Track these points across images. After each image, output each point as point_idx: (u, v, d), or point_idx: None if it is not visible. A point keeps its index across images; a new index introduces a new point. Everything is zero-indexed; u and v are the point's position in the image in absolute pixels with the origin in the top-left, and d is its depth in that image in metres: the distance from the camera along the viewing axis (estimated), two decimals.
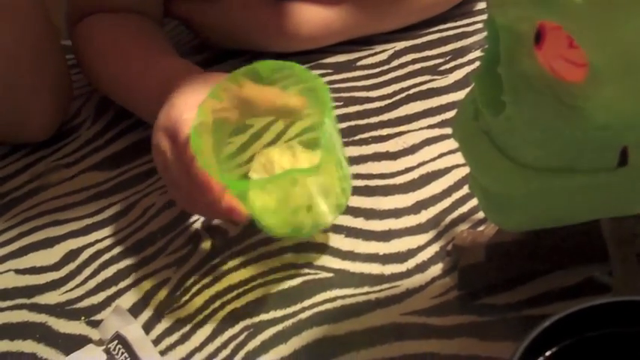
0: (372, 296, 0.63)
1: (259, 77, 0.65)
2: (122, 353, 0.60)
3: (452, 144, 0.75)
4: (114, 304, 0.65)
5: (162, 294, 0.66)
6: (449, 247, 0.66)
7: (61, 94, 0.83)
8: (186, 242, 0.70)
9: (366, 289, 0.64)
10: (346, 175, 0.66)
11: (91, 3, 0.87)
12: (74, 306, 0.66)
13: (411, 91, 0.83)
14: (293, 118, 0.67)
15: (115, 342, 0.61)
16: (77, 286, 0.68)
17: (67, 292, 0.67)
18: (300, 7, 0.87)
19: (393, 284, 0.64)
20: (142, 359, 0.60)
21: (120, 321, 0.62)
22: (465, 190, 0.71)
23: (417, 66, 0.86)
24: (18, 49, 0.78)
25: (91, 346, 0.62)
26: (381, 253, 0.66)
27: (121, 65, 0.80)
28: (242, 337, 0.62)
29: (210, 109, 0.63)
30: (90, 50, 0.85)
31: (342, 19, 0.87)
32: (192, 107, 0.65)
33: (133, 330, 0.61)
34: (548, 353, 0.42)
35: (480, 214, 0.68)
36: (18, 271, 0.70)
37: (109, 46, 0.83)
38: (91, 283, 0.68)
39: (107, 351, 0.61)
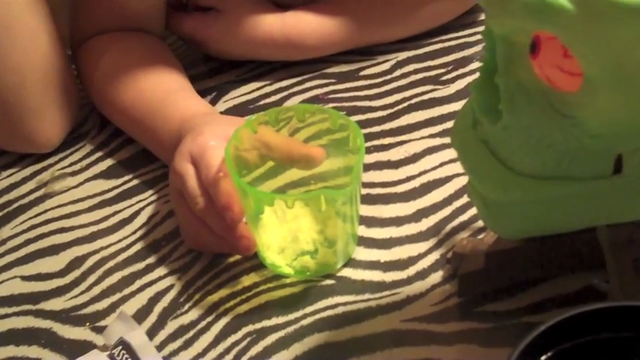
0: (373, 303, 0.64)
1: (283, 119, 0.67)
2: (126, 359, 0.61)
3: (453, 153, 0.75)
4: (118, 311, 0.66)
5: (166, 300, 0.67)
6: (449, 255, 0.66)
7: (68, 107, 0.83)
8: (190, 250, 0.71)
9: (367, 295, 0.65)
10: (356, 224, 0.67)
11: (94, 24, 0.86)
12: (79, 312, 0.67)
13: (413, 101, 0.84)
14: (309, 168, 0.68)
15: (119, 348, 0.62)
16: (82, 292, 0.68)
17: (72, 298, 0.68)
18: (305, 17, 0.87)
19: (394, 291, 0.65)
20: None
21: (124, 327, 0.63)
22: (465, 198, 0.71)
23: (419, 76, 0.87)
24: (25, 66, 0.79)
25: (95, 351, 0.63)
26: (382, 261, 0.67)
27: (136, 98, 0.80)
28: (245, 342, 0.62)
29: (234, 147, 0.64)
30: (98, 76, 0.84)
31: (345, 28, 0.88)
32: (220, 137, 0.66)
33: (137, 336, 0.62)
34: (543, 358, 0.42)
35: (480, 223, 0.69)
36: (24, 278, 0.71)
37: (120, 75, 0.82)
38: (96, 290, 0.68)
39: (111, 356, 0.61)
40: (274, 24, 0.87)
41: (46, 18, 0.80)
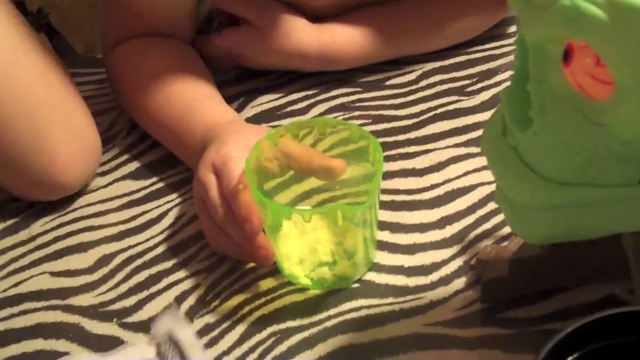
0: (397, 307, 0.65)
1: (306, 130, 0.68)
2: (173, 356, 0.62)
3: (477, 162, 0.77)
4: (145, 307, 0.67)
5: (192, 299, 0.68)
6: (473, 262, 0.67)
7: (87, 143, 0.79)
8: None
9: (390, 299, 0.65)
10: (375, 234, 0.68)
11: (124, 29, 0.87)
12: (107, 308, 0.68)
13: (438, 111, 0.85)
14: (330, 180, 0.68)
15: (168, 343, 0.62)
16: (110, 289, 0.70)
17: (100, 294, 0.69)
18: (340, 34, 0.87)
19: (417, 296, 0.65)
20: None
21: (173, 322, 0.64)
22: (488, 207, 0.72)
23: (445, 87, 0.88)
24: (19, 112, 0.74)
25: (142, 344, 0.63)
26: (406, 266, 0.68)
27: (163, 105, 0.80)
28: (269, 342, 0.63)
29: (255, 159, 0.65)
30: (126, 80, 0.85)
31: (379, 43, 0.88)
32: (243, 148, 0.67)
33: (186, 333, 0.63)
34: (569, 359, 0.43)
35: (504, 231, 0.70)
36: (53, 274, 0.72)
37: (148, 80, 0.82)
38: (123, 287, 0.70)
39: (159, 351, 0.62)
40: (311, 43, 0.86)
41: (45, 62, 0.77)
